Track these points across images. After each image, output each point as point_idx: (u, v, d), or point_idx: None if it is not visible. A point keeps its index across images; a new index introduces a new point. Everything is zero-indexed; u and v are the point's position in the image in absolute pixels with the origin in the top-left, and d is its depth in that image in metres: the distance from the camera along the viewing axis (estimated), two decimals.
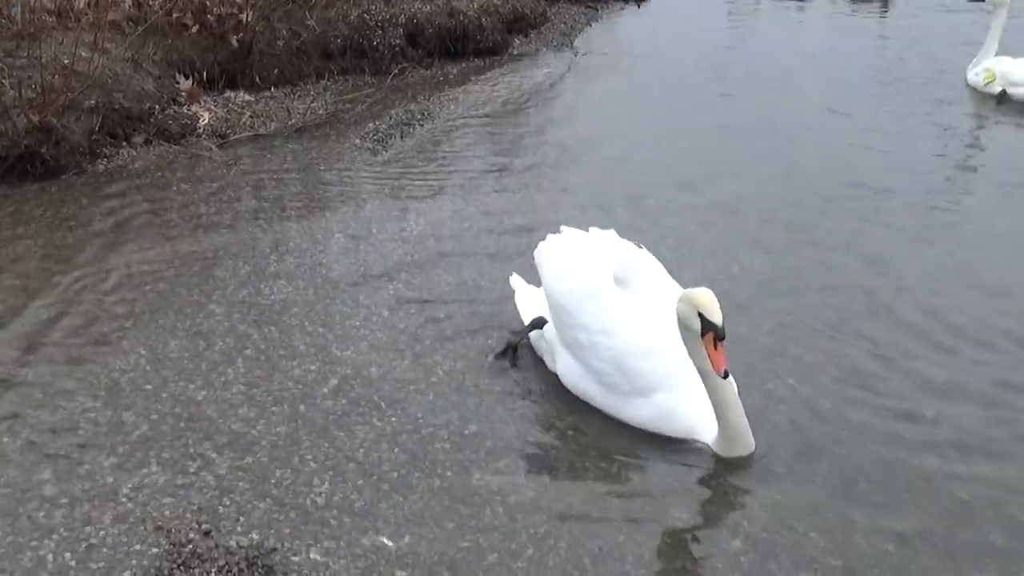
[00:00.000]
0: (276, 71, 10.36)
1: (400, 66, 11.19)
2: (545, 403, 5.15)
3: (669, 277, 5.31)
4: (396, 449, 4.69)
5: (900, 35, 14.21)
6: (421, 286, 6.32)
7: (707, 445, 4.77)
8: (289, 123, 9.36)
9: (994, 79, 10.97)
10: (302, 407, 4.99)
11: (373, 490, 4.40)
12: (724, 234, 7.25)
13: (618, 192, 7.99)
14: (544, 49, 12.78)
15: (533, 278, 5.68)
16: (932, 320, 6.08)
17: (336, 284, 6.29)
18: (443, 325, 5.85)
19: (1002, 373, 5.52)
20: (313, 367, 5.35)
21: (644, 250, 5.39)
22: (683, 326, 4.58)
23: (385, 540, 4.08)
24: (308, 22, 10.80)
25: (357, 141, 9.01)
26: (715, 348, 4.44)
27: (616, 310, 4.98)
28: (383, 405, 5.03)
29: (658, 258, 5.42)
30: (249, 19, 10.07)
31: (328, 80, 10.71)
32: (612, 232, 5.46)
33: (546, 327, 5.41)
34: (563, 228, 5.55)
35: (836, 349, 5.69)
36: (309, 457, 4.60)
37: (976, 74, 11.25)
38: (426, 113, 9.84)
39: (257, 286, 6.24)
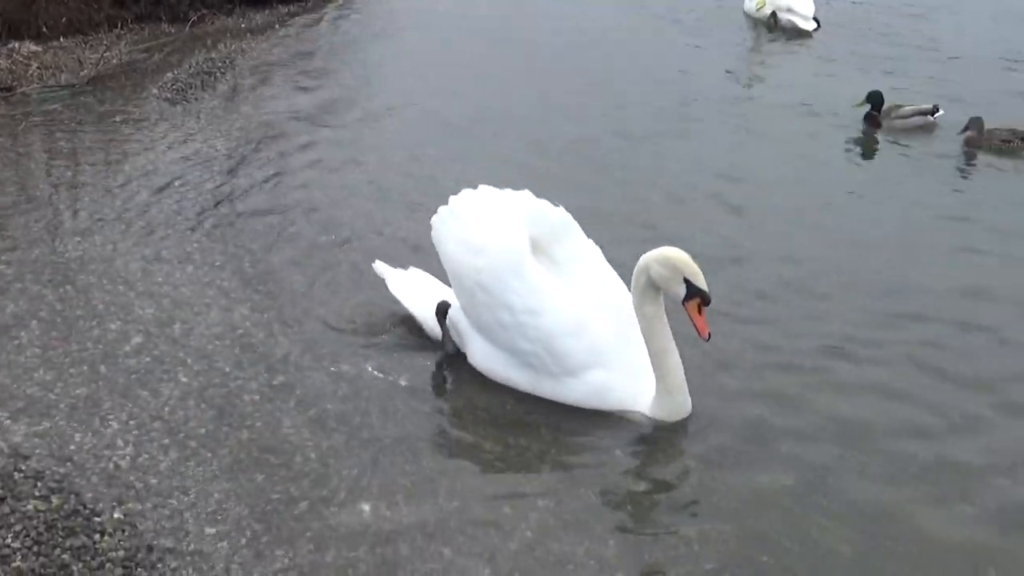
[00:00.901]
0: (64, 19, 9.76)
1: (199, 13, 10.74)
2: (351, 342, 5.10)
3: (587, 239, 4.93)
4: (203, 405, 4.57)
5: None
6: (226, 237, 6.14)
7: (643, 414, 4.63)
8: (81, 74, 8.86)
9: (764, 4, 12.16)
10: (103, 368, 4.79)
11: (179, 448, 4.28)
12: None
13: (429, 139, 7.97)
14: None
15: (379, 255, 5.51)
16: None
17: (136, 239, 6.04)
18: (248, 275, 5.71)
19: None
20: (114, 326, 5.13)
21: (562, 209, 4.90)
22: (647, 288, 4.40)
23: (192, 497, 3.99)
24: None
25: (155, 91, 8.63)
26: (699, 313, 4.35)
27: (542, 285, 4.60)
28: (189, 361, 4.89)
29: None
30: None
31: (122, 29, 10.17)
32: (527, 192, 4.89)
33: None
34: (468, 190, 4.92)
35: None
36: (111, 418, 4.43)
37: (750, 2, 12.45)
38: (227, 62, 9.51)
39: (51, 244, 5.92)
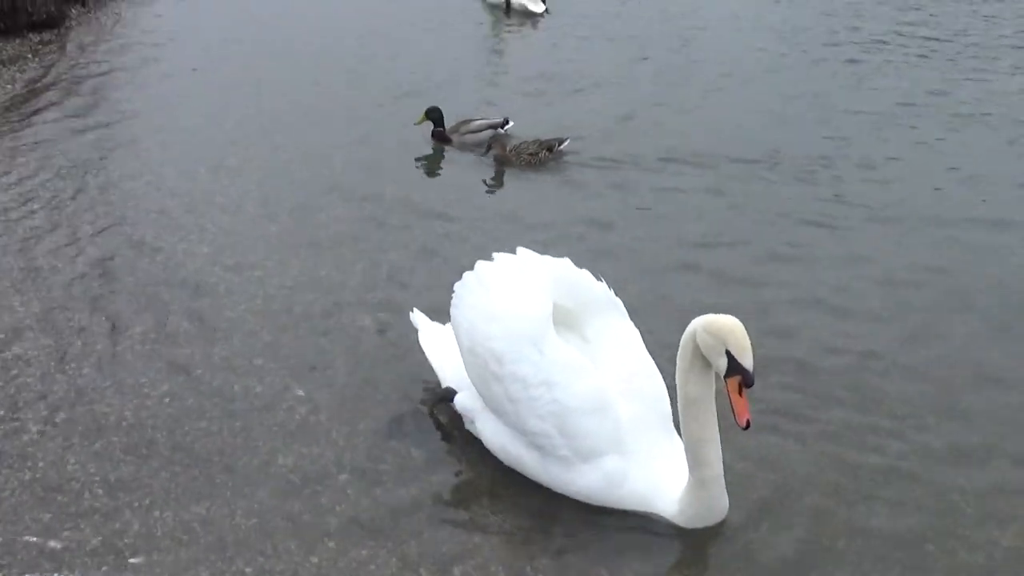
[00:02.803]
0: None
1: None
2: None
3: (629, 321, 4.42)
4: None
5: None
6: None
7: (665, 517, 4.05)
8: None
9: None
10: None
11: None
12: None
13: (200, 158, 7.83)
14: (108, 17, 11.99)
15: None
16: None
17: None
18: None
19: None
20: None
21: (603, 284, 4.46)
22: (692, 356, 3.79)
23: None
24: None
25: None
26: (740, 395, 3.68)
27: (561, 357, 4.09)
28: None
29: None
30: None
31: None
32: (566, 260, 4.48)
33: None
34: (495, 255, 4.51)
35: None
36: None
37: None
38: None
39: None
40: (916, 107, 9.57)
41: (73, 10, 11.97)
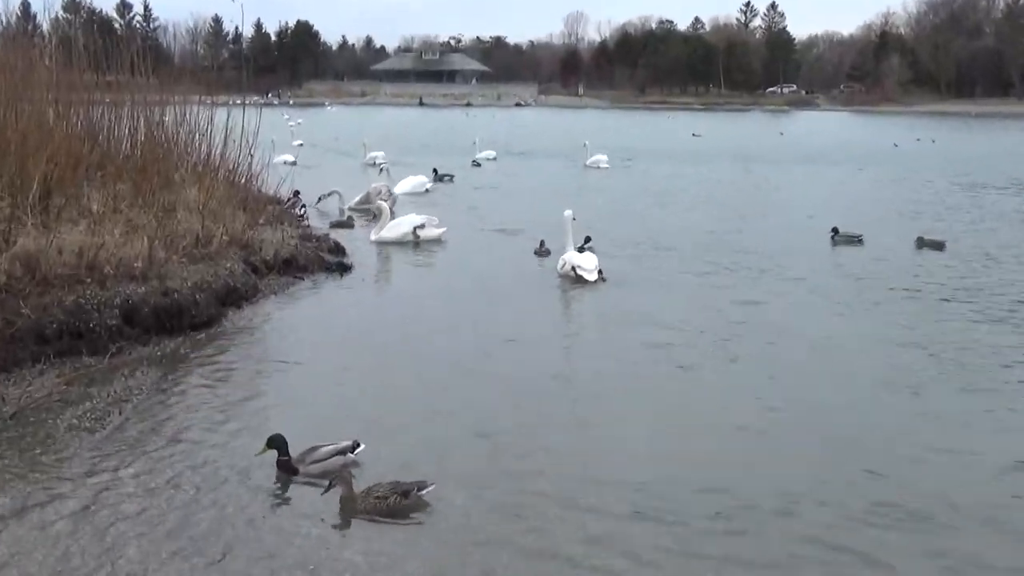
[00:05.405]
0: None
1: (117, 345, 11.32)
2: None
3: None
4: None
5: None
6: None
7: None
8: (3, 410, 9.24)
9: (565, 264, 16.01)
10: None
11: None
12: None
13: None
14: (255, 320, 13.28)
15: None
16: None
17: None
18: None
19: None
20: None
21: None
22: None
23: None
24: (23, 310, 10.82)
25: (75, 421, 9.03)
26: None
27: None
28: None
29: None
30: None
31: (44, 364, 10.65)
32: None
33: None
34: None
35: None
36: None
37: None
38: (143, 388, 10.01)
39: None
40: None
41: (230, 312, 13.35)
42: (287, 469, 7.88)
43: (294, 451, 7.98)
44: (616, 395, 10.32)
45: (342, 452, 7.99)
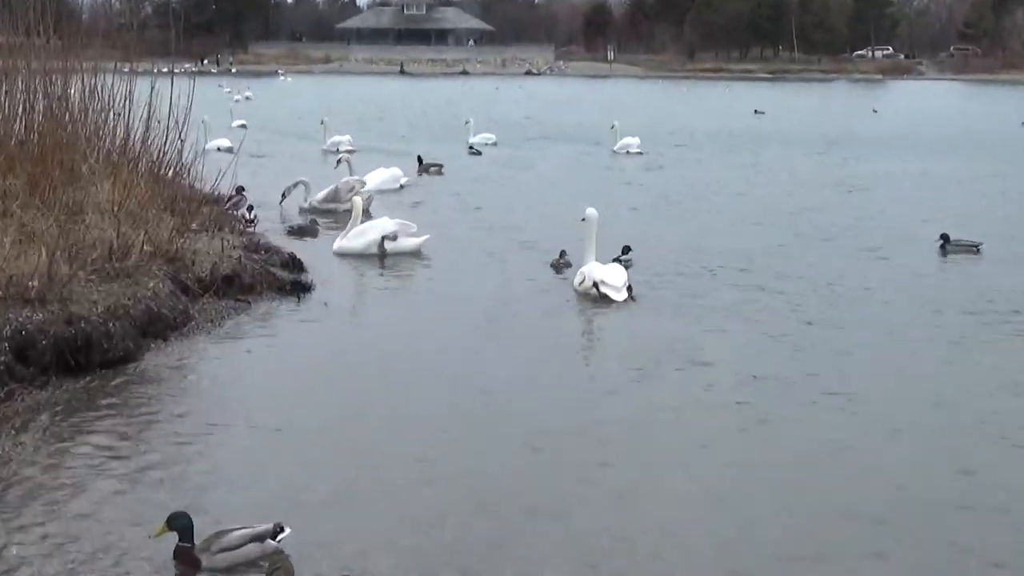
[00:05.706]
0: None
1: (6, 388, 11.30)
2: None
3: None
4: None
5: None
6: None
7: None
8: None
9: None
10: None
11: None
12: None
13: None
14: (184, 357, 13.26)
15: None
16: None
17: None
18: None
19: None
20: None
21: None
22: None
23: None
24: None
25: None
26: None
27: None
28: None
29: None
30: None
31: None
32: None
33: None
34: None
35: None
36: None
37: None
38: (35, 445, 9.97)
39: None
40: None
41: (152, 344, 13.33)
42: (187, 561, 7.52)
43: (200, 536, 7.64)
44: (658, 458, 10.26)
45: (259, 538, 7.59)
